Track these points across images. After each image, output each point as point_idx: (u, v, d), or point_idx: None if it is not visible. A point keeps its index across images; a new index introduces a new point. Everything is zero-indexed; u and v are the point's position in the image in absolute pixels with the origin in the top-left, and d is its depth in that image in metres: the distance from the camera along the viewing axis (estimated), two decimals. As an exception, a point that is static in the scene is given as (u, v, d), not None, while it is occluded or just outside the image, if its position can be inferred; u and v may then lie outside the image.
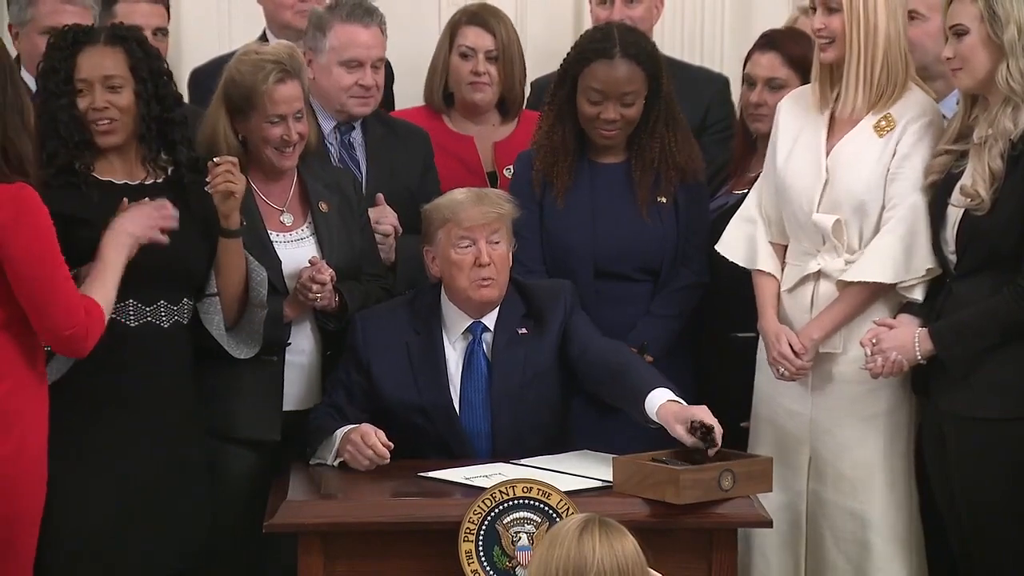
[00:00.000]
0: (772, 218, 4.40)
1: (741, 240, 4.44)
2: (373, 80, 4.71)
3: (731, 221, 4.47)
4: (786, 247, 4.41)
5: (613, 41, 4.52)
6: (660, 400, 4.02)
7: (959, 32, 4.03)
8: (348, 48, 4.69)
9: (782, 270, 4.39)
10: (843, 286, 4.25)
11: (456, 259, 4.25)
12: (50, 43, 4.04)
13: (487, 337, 4.30)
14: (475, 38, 4.98)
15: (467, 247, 4.25)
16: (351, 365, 4.29)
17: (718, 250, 4.45)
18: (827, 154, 4.28)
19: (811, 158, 4.29)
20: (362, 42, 4.71)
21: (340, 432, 4.17)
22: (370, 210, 4.57)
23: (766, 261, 4.39)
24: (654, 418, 4.02)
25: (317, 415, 4.28)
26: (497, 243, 4.26)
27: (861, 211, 4.24)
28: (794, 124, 4.35)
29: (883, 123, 4.25)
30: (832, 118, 4.30)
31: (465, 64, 4.99)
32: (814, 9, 4.26)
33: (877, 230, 4.24)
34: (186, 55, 5.47)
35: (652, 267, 4.60)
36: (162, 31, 5.00)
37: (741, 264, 4.43)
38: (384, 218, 4.62)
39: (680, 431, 3.94)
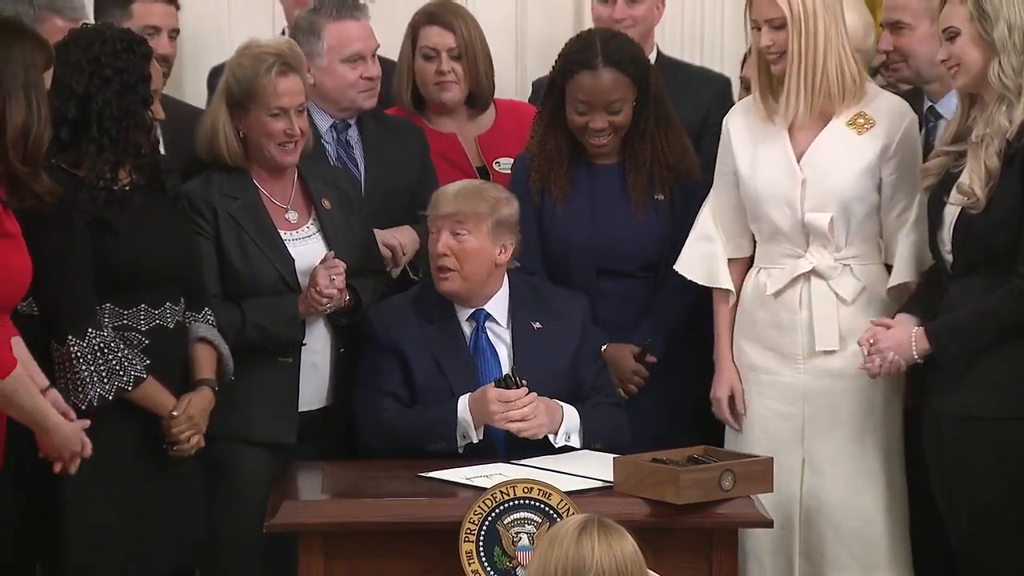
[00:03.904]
0: (729, 232, 4.43)
1: (699, 258, 4.47)
2: (376, 70, 4.73)
3: (687, 240, 4.49)
4: (746, 259, 4.44)
5: (595, 51, 4.52)
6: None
7: (951, 35, 4.06)
8: (348, 44, 4.69)
9: (741, 283, 4.42)
10: (894, 293, 4.29)
11: (429, 246, 4.35)
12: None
13: (490, 325, 4.34)
14: (436, 38, 4.93)
15: (434, 235, 4.33)
16: (380, 356, 4.31)
17: (677, 269, 4.48)
18: (797, 158, 4.29)
19: (782, 164, 4.31)
20: (359, 35, 4.71)
21: (461, 406, 4.18)
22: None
23: (727, 279, 4.43)
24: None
25: (388, 418, 4.24)
26: (460, 235, 4.29)
27: (847, 208, 4.27)
28: (748, 136, 4.38)
29: (860, 120, 4.27)
30: (793, 124, 4.31)
31: (429, 65, 4.94)
32: (757, 29, 4.27)
33: (863, 226, 4.29)
34: (187, 54, 5.46)
35: (652, 263, 4.62)
36: (176, 32, 5.02)
37: (701, 283, 4.46)
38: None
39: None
